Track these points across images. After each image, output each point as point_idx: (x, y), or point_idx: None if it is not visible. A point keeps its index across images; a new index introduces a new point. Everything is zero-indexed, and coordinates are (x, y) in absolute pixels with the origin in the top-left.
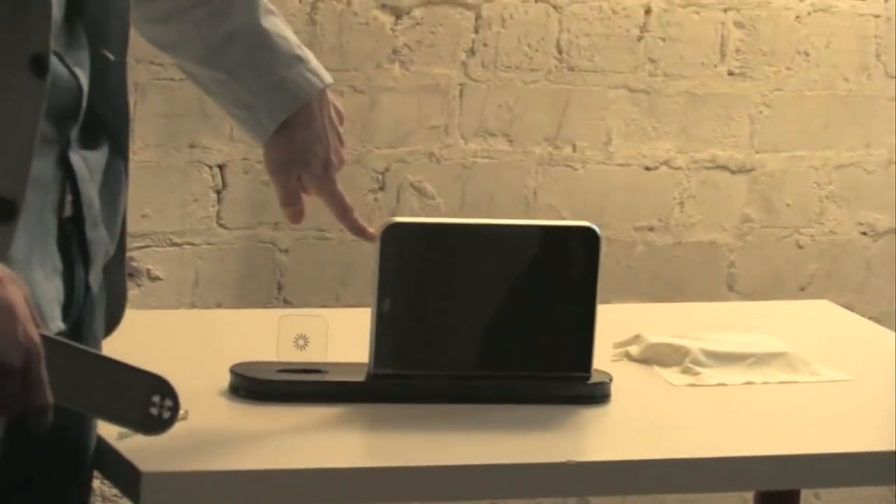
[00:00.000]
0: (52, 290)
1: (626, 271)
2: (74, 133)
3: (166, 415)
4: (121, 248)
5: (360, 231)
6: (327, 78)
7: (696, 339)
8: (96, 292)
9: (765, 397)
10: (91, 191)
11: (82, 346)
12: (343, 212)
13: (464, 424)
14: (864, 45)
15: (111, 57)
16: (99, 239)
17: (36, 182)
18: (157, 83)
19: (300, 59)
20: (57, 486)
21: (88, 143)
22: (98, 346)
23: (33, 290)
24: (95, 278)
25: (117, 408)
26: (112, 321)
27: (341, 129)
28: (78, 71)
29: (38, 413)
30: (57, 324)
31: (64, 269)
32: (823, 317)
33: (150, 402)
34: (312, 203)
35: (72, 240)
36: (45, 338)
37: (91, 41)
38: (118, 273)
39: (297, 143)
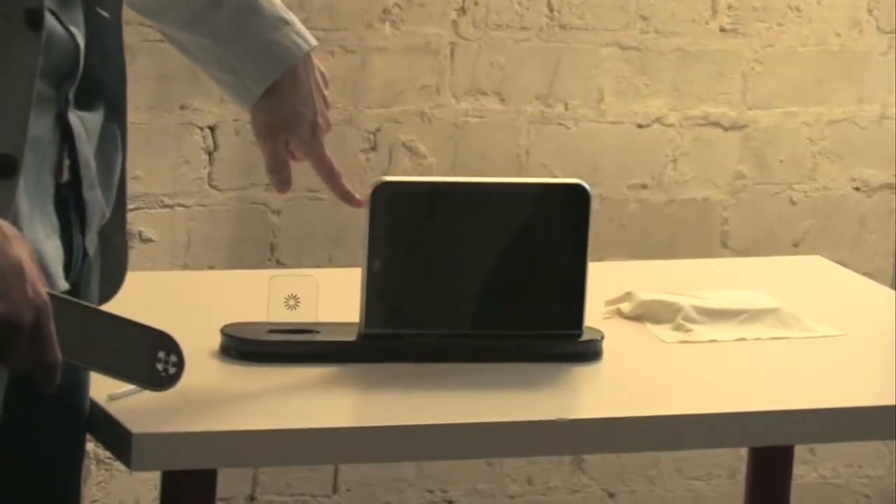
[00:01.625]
0: (54, 249)
1: (619, 229)
2: (72, 94)
3: (172, 370)
4: (120, 210)
5: (347, 197)
6: (312, 41)
7: (688, 296)
8: (92, 256)
9: (757, 353)
10: (88, 152)
11: (88, 304)
12: (331, 177)
13: (455, 383)
14: (855, 0)
15: (105, 15)
16: (95, 201)
17: (35, 142)
18: (146, 45)
19: (286, 22)
20: (56, 450)
21: (85, 104)
22: None
23: (37, 248)
24: (91, 242)
25: (124, 365)
26: (112, 286)
27: (327, 93)
28: (74, 29)
29: (47, 371)
30: (61, 283)
31: (61, 233)
32: (816, 273)
33: (155, 358)
34: (304, 163)
35: (68, 204)
36: (51, 296)
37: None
38: (118, 237)
39: (284, 107)
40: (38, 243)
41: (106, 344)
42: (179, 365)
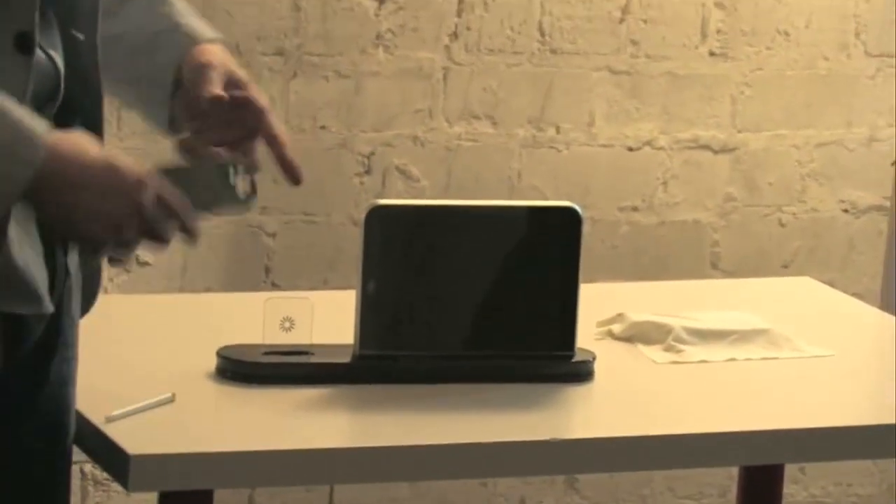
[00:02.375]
0: (40, 271)
1: (611, 251)
2: (51, 116)
3: (250, 184)
4: None
5: (290, 168)
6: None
7: (679, 317)
8: (73, 275)
9: (747, 374)
10: None
11: (182, 164)
12: (275, 141)
13: (449, 404)
14: (843, 23)
15: (80, 37)
16: None
17: None
18: None
19: (196, 15)
20: (42, 468)
21: (61, 125)
22: (75, 326)
23: (28, 270)
24: (73, 261)
25: (221, 198)
26: (87, 302)
27: None
28: (53, 53)
29: (190, 230)
30: (48, 305)
31: (46, 254)
32: (806, 294)
33: (234, 178)
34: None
35: None
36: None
37: (60, 22)
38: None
39: (213, 54)
40: (29, 266)
41: (206, 187)
42: (253, 171)
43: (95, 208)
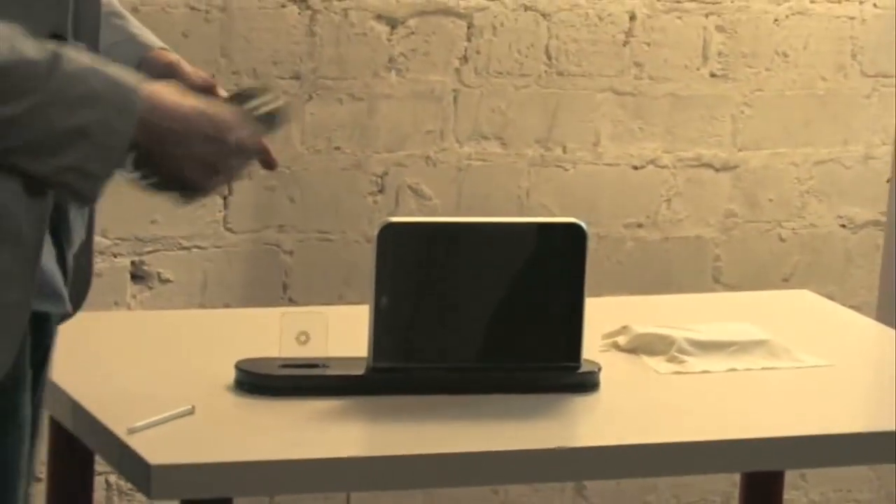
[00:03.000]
0: (58, 273)
1: (616, 266)
2: None
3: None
4: (89, 233)
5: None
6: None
7: (682, 329)
8: (70, 276)
9: (748, 383)
10: None
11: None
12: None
13: (460, 414)
14: (840, 45)
15: (82, 46)
16: (77, 225)
17: None
18: None
19: (147, 30)
20: None
21: None
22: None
23: (48, 269)
24: (70, 263)
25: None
26: (78, 301)
27: None
28: None
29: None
30: (67, 304)
31: (57, 256)
32: (805, 306)
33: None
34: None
35: (60, 228)
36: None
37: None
38: (86, 256)
39: (171, 56)
40: (48, 262)
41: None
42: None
43: (198, 154)
